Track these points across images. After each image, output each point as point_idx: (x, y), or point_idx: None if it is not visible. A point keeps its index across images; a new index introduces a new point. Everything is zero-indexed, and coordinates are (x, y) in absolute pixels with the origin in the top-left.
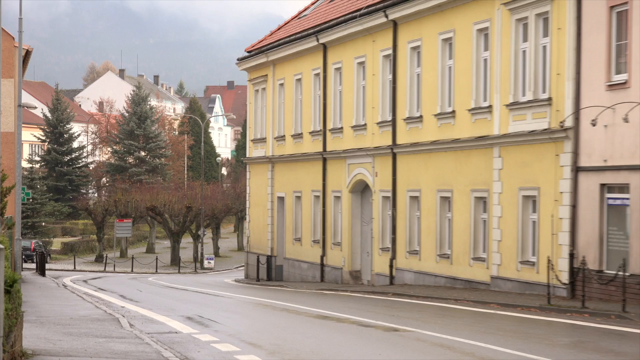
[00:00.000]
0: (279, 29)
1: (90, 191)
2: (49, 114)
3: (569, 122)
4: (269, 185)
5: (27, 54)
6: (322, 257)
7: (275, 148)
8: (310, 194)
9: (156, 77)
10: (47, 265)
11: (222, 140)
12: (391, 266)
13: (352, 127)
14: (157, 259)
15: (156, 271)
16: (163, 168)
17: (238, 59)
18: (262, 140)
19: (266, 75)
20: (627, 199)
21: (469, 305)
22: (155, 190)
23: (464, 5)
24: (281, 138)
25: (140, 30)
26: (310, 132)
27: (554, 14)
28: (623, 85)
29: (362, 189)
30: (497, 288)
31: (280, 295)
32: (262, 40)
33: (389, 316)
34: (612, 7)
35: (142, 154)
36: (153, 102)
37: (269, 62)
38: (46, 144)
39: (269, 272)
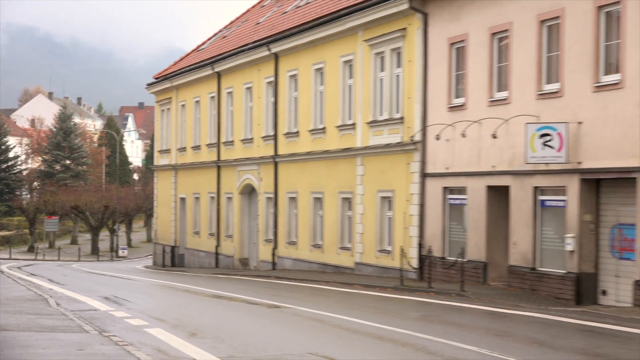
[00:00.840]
0: (181, 59)
1: (24, 193)
2: None
3: (417, 137)
4: (172, 188)
5: None
6: (216, 247)
7: (178, 157)
8: (207, 195)
9: (79, 99)
10: None
11: (134, 151)
12: (273, 254)
13: (241, 140)
14: (79, 249)
15: (79, 259)
16: (85, 174)
17: (147, 84)
18: (167, 151)
19: (170, 97)
20: (465, 199)
21: (336, 287)
22: (78, 192)
23: (332, 42)
24: (183, 149)
25: (66, 60)
26: (207, 145)
27: (405, 49)
28: (461, 107)
29: (249, 191)
30: (360, 272)
31: (182, 279)
32: (167, 69)
33: (272, 295)
34: (452, 44)
35: (68, 162)
36: (77, 119)
37: (173, 87)
38: None
39: (172, 260)
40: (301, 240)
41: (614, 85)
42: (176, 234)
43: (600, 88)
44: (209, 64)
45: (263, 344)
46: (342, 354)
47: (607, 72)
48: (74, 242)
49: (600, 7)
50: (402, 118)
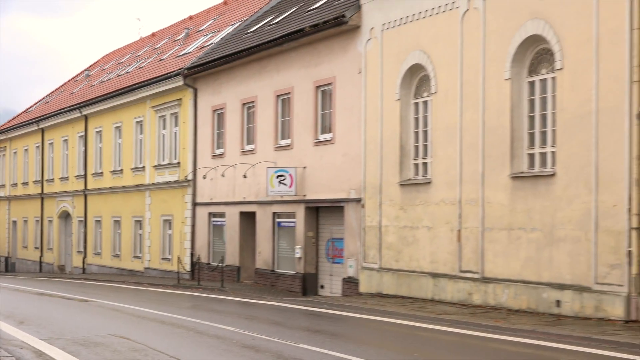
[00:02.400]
0: (13, 118)
1: None
2: None
3: (190, 177)
4: (6, 213)
5: None
6: (40, 257)
7: (11, 190)
8: (33, 219)
9: None
10: None
11: None
12: (84, 262)
13: (59, 178)
14: None
15: None
16: None
17: None
18: (3, 186)
19: (5, 146)
20: (224, 221)
21: (131, 285)
22: None
23: (128, 107)
24: (15, 184)
25: None
26: (33, 181)
27: (181, 113)
28: (221, 155)
29: (65, 216)
30: (148, 274)
31: (13, 281)
32: (2, 125)
33: (82, 292)
34: (214, 110)
35: None
36: None
37: (7, 139)
38: None
39: (6, 267)
40: (104, 251)
41: (328, 142)
42: (9, 247)
43: (318, 143)
44: (35, 122)
45: (75, 328)
46: (134, 334)
47: (323, 132)
48: None
49: (318, 87)
50: (179, 163)
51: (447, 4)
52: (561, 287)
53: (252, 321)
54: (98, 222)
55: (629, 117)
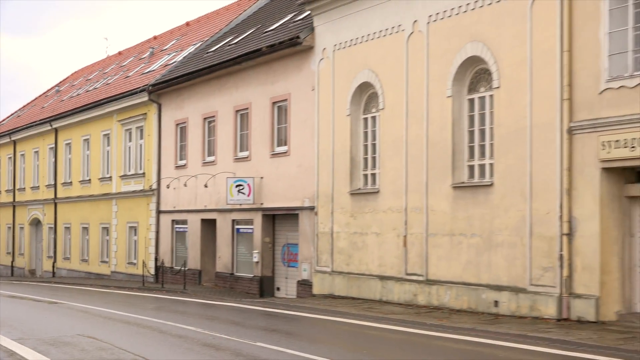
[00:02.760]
0: None
1: None
2: None
3: (154, 186)
4: None
5: None
6: (12, 262)
7: None
8: (5, 226)
9: None
10: None
11: None
12: (53, 266)
13: (30, 187)
14: None
15: None
16: None
17: None
18: None
19: None
20: (186, 227)
21: (98, 288)
22: None
23: (95, 121)
24: None
25: None
26: (6, 190)
27: (146, 127)
28: (184, 166)
29: (36, 223)
30: (115, 278)
31: None
32: None
33: (52, 295)
34: (177, 124)
35: None
36: None
37: None
38: None
39: None
40: (73, 256)
41: (283, 154)
42: None
43: (275, 155)
44: (7, 135)
45: (45, 329)
46: (101, 334)
47: (279, 144)
48: None
49: (274, 102)
50: (144, 173)
51: (393, 27)
52: (499, 288)
53: (213, 321)
54: (67, 228)
55: (560, 132)
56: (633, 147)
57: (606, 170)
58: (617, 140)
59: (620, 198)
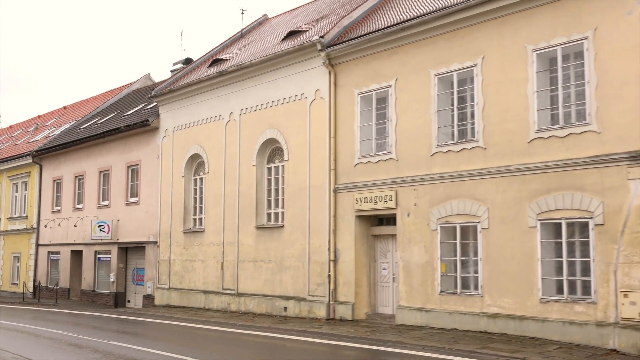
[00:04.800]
0: None
1: None
2: None
3: (35, 226)
4: None
5: None
6: None
7: None
8: None
9: None
10: None
11: None
12: None
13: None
14: None
15: None
16: None
17: None
18: None
19: None
20: (59, 256)
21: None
22: None
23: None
24: None
25: None
26: None
27: (30, 182)
28: (59, 211)
29: None
30: (1, 295)
31: None
32: None
33: None
34: (54, 180)
35: None
36: None
37: None
38: None
39: None
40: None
41: (135, 203)
42: None
43: (129, 204)
44: None
45: None
46: None
47: (132, 196)
48: None
49: (129, 166)
50: (27, 216)
51: (216, 116)
52: (287, 298)
53: (77, 326)
54: None
55: (328, 191)
56: (375, 202)
57: (359, 217)
58: (365, 197)
59: (368, 236)
